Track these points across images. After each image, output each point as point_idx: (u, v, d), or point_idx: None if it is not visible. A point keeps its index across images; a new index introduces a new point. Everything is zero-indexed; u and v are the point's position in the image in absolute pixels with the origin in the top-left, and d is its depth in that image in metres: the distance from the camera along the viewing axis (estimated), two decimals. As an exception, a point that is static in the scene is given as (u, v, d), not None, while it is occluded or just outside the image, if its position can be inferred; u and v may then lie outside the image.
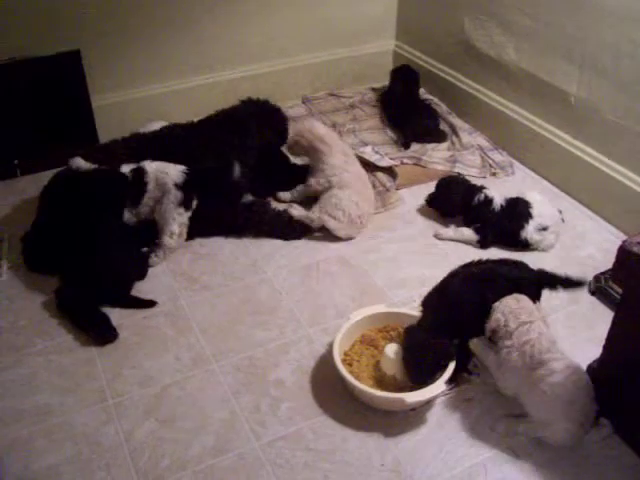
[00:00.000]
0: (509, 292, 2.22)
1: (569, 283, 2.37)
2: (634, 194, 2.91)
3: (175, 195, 2.79)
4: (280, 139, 3.27)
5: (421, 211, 3.17)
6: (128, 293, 2.63)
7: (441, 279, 2.35)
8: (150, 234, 2.85)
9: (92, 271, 2.55)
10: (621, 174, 2.97)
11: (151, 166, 2.81)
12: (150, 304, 2.60)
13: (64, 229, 2.64)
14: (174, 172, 2.81)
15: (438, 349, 2.16)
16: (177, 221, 2.81)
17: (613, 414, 2.15)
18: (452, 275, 2.34)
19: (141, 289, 2.69)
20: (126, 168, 2.78)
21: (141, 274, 2.72)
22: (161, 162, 2.84)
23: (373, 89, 4.12)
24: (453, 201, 3.01)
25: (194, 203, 2.86)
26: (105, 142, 3.10)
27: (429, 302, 2.30)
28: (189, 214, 2.85)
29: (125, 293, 2.62)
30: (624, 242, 1.92)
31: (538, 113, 3.37)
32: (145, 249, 2.82)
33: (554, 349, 2.08)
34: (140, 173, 2.79)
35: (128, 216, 2.79)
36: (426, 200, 3.11)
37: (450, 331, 2.20)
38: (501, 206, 2.92)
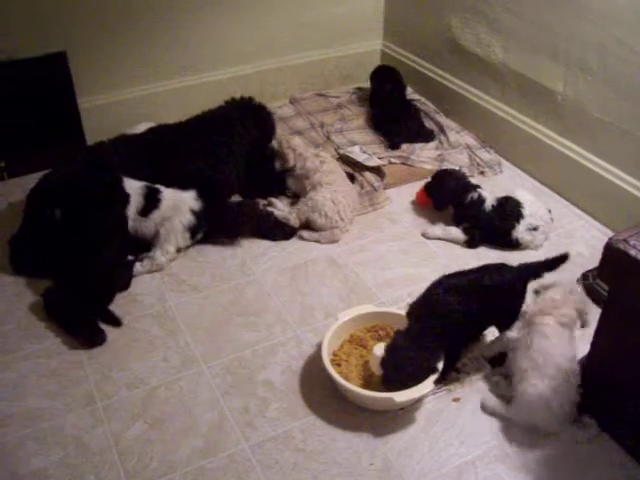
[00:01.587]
0: (493, 300, 2.26)
1: (552, 264, 2.35)
2: (621, 191, 2.92)
3: (188, 219, 2.80)
4: (267, 136, 3.27)
5: (409, 210, 3.17)
6: (108, 304, 2.58)
7: (425, 289, 2.31)
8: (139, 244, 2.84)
9: (78, 276, 2.53)
10: (608, 172, 2.98)
11: (167, 190, 2.82)
12: (117, 323, 2.52)
13: (52, 233, 2.63)
14: (191, 199, 2.83)
15: (418, 362, 2.14)
16: (178, 243, 2.81)
17: (601, 410, 2.16)
18: (435, 286, 2.30)
19: (130, 291, 2.68)
20: (135, 184, 2.78)
21: (125, 284, 2.69)
22: (176, 190, 2.85)
23: (361, 89, 4.11)
24: (445, 191, 3.01)
25: (199, 235, 2.87)
26: (92, 144, 3.08)
27: (414, 312, 2.28)
28: (190, 243, 2.85)
29: (106, 303, 2.58)
30: (610, 239, 1.92)
31: (525, 111, 3.37)
32: (131, 257, 2.77)
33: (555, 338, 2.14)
34: (154, 190, 2.79)
35: (131, 222, 2.76)
36: (425, 187, 3.11)
37: (436, 341, 2.19)
38: (492, 206, 2.92)
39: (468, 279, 2.31)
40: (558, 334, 2.15)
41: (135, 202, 2.75)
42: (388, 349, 2.17)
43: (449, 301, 2.21)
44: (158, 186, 2.83)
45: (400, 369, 2.13)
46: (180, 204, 2.81)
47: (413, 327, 2.21)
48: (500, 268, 2.36)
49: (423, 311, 2.24)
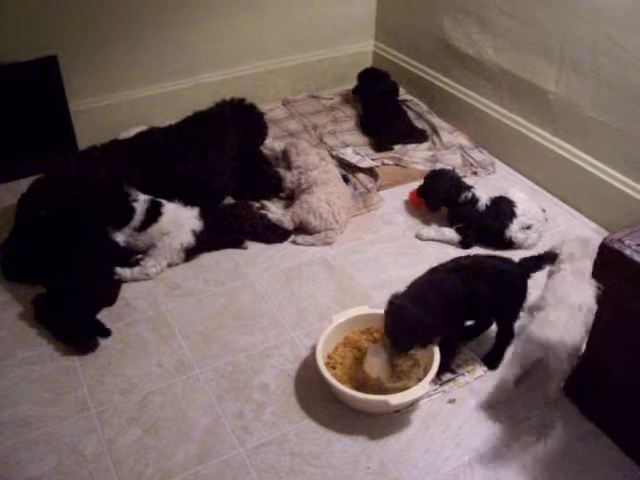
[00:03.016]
0: (497, 284, 2.26)
1: (549, 257, 2.41)
2: (614, 190, 2.92)
3: (188, 240, 2.78)
4: (259, 137, 3.26)
5: (403, 211, 3.17)
6: (93, 315, 2.54)
7: (428, 270, 2.33)
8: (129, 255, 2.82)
9: (64, 283, 2.51)
10: (601, 170, 2.99)
11: (170, 205, 2.80)
12: (106, 333, 2.48)
13: (42, 240, 2.60)
14: (193, 218, 2.81)
15: (421, 317, 2.12)
16: (172, 259, 2.79)
17: (598, 410, 2.16)
18: (437, 268, 2.33)
19: (123, 295, 2.66)
20: (141, 196, 2.75)
21: (110, 300, 2.64)
22: (178, 205, 2.83)
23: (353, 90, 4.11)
24: (438, 192, 3.01)
25: (194, 258, 2.85)
26: (83, 149, 3.06)
27: (415, 288, 2.27)
28: (182, 262, 2.83)
29: (90, 314, 2.53)
30: (605, 239, 1.92)
31: (518, 111, 3.37)
32: (117, 276, 2.72)
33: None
34: (156, 204, 2.76)
35: (125, 237, 2.74)
36: (418, 188, 3.12)
37: (436, 302, 2.18)
38: (486, 206, 2.93)
39: (474, 260, 2.36)
40: (573, 278, 2.23)
41: (136, 216, 2.73)
42: (387, 311, 2.16)
43: (454, 280, 2.23)
44: (161, 200, 2.80)
45: (404, 326, 2.12)
46: (182, 221, 2.79)
47: (410, 289, 2.22)
48: (503, 258, 2.41)
49: (427, 289, 2.24)
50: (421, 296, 2.18)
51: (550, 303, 2.20)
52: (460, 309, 2.24)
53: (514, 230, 2.88)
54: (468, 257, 2.42)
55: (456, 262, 2.35)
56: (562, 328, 2.09)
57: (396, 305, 2.15)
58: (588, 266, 2.19)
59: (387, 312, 2.17)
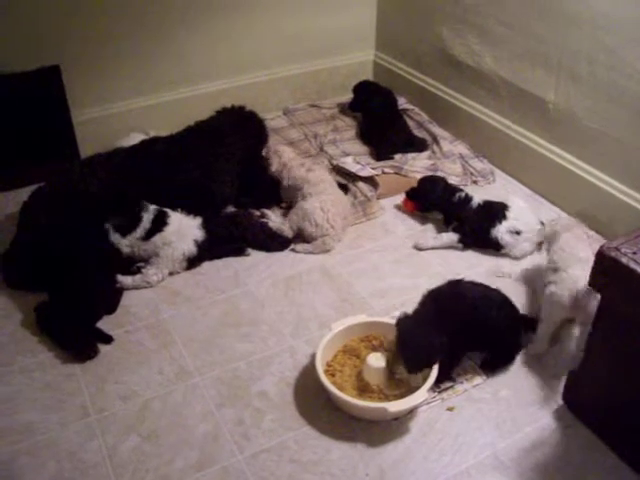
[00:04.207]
0: (496, 313, 2.31)
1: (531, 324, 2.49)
2: (612, 199, 2.93)
3: (190, 250, 2.80)
4: (260, 144, 3.28)
5: (402, 220, 3.18)
6: (94, 323, 2.56)
7: (436, 287, 2.37)
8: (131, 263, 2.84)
9: (66, 292, 2.53)
10: (599, 179, 3.00)
11: (175, 215, 2.82)
12: (108, 339, 2.50)
13: (45, 247, 2.62)
14: (195, 228, 2.83)
15: (432, 340, 2.17)
16: (174, 268, 2.81)
17: (595, 417, 2.17)
18: (452, 284, 2.38)
19: (123, 303, 2.68)
20: (151, 206, 2.79)
21: (111, 308, 2.64)
22: (182, 215, 2.85)
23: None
24: (434, 193, 3.06)
25: (195, 267, 2.87)
26: (85, 157, 3.08)
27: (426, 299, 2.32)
28: (183, 271, 2.85)
29: (91, 322, 2.55)
30: (602, 247, 1.93)
31: (517, 120, 3.39)
32: (118, 285, 2.74)
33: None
34: (162, 214, 2.79)
35: (129, 246, 2.77)
36: (406, 192, 3.16)
37: (439, 325, 2.21)
38: (478, 205, 2.98)
39: (482, 289, 2.39)
40: (574, 240, 2.48)
41: (141, 226, 2.76)
42: (400, 335, 2.19)
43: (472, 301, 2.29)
44: (166, 210, 2.82)
45: (418, 350, 2.15)
46: (186, 231, 2.81)
47: (419, 311, 2.26)
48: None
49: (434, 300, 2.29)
50: (435, 316, 2.23)
51: (558, 262, 2.44)
52: (471, 334, 2.28)
53: (501, 231, 2.90)
54: (477, 285, 2.43)
55: (471, 285, 2.39)
56: (583, 282, 2.24)
57: (409, 326, 2.20)
58: (583, 232, 2.52)
59: (401, 333, 2.20)
